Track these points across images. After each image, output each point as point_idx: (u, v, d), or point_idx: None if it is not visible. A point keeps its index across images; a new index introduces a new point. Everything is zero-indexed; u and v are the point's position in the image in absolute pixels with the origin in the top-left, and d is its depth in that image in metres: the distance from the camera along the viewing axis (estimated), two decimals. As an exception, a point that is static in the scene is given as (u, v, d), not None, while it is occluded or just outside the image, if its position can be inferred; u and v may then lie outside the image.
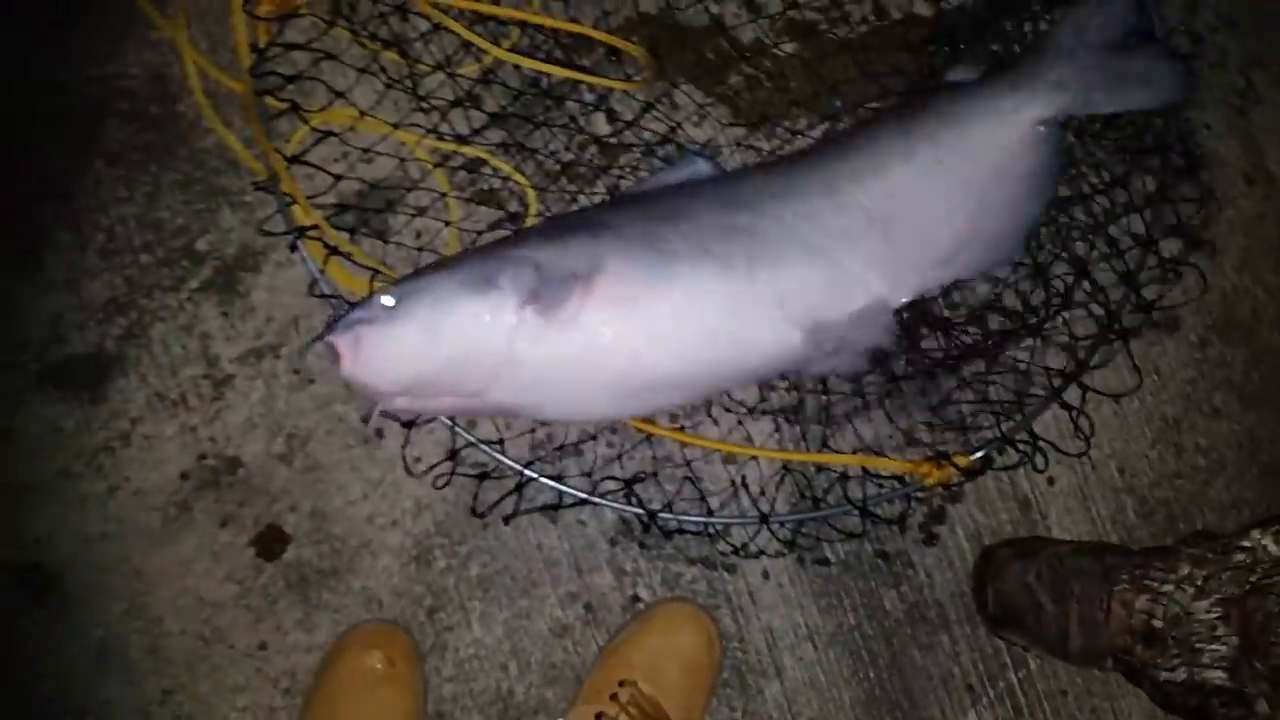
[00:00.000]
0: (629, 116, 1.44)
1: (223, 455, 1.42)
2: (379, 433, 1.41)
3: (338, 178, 1.39)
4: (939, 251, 1.28)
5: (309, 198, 1.34)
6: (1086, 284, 1.40)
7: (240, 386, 1.43)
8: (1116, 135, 1.43)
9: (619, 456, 1.41)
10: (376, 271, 1.36)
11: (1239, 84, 1.53)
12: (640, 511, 1.35)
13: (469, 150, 1.42)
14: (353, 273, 1.38)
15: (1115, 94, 1.33)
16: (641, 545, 1.44)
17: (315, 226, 1.34)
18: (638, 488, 1.37)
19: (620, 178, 1.44)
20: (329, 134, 1.41)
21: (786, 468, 1.41)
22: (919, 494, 1.42)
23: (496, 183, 1.43)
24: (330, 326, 1.17)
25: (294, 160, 1.36)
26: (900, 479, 1.39)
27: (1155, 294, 1.42)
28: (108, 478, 1.40)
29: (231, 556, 1.40)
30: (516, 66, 1.39)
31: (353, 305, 1.21)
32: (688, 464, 1.41)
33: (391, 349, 1.14)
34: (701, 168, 1.32)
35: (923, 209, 1.26)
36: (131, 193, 1.44)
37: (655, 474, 1.40)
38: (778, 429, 1.43)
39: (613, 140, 1.44)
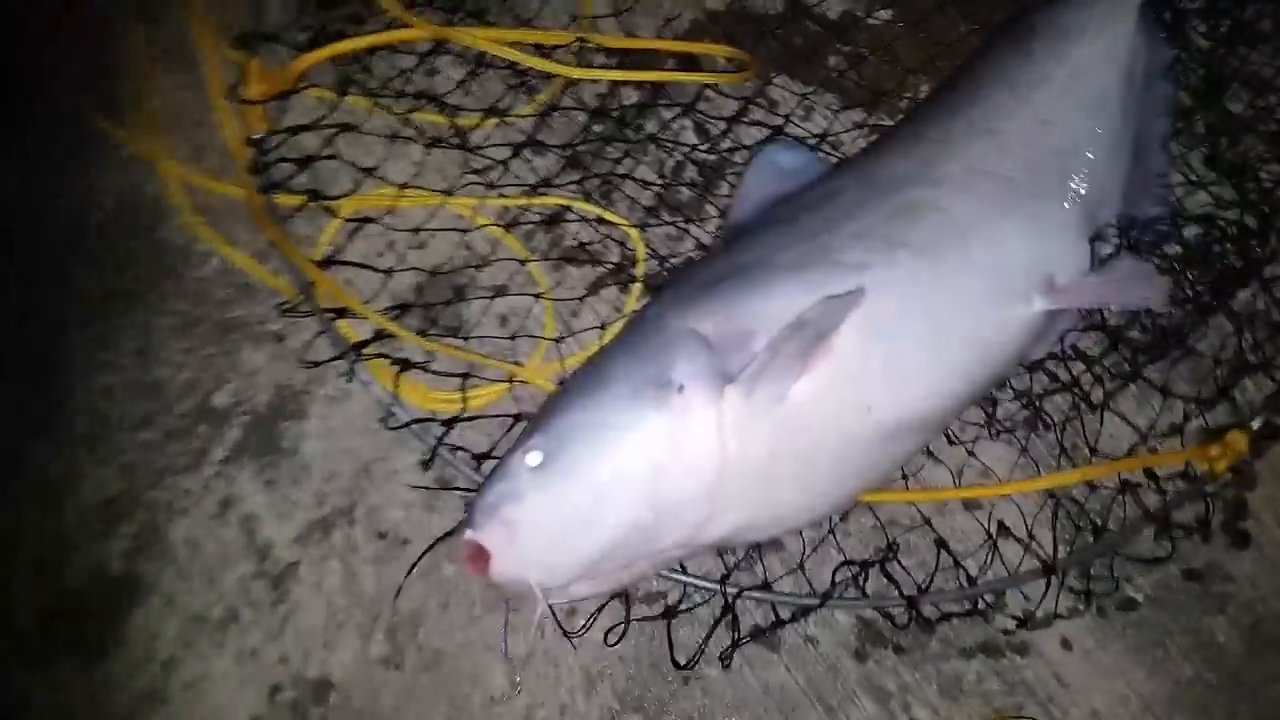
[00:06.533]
0: (720, 129, 1.18)
1: (304, 679, 1.01)
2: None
3: (387, 272, 1.12)
4: (1113, 163, 1.11)
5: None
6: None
7: (308, 576, 1.05)
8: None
9: (831, 536, 1.06)
10: (467, 377, 1.04)
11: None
12: (893, 602, 1.03)
13: (543, 200, 1.14)
14: (434, 385, 1.04)
15: None
16: (898, 649, 1.06)
17: (378, 337, 1.02)
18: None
19: (729, 195, 1.17)
20: (366, 221, 1.13)
21: (1053, 495, 1.08)
22: (1209, 489, 1.11)
23: (585, 233, 1.14)
24: (466, 519, 0.83)
25: (327, 263, 1.09)
26: (1185, 475, 1.10)
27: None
28: (146, 754, 0.97)
29: (349, 821, 0.97)
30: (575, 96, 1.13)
31: (486, 479, 0.87)
32: (927, 522, 1.07)
33: (558, 526, 0.82)
34: (779, 153, 1.11)
35: (1078, 126, 1.11)
36: (116, 354, 1.09)
37: (894, 546, 1.05)
38: (1022, 453, 1.11)
39: (710, 156, 1.17)
